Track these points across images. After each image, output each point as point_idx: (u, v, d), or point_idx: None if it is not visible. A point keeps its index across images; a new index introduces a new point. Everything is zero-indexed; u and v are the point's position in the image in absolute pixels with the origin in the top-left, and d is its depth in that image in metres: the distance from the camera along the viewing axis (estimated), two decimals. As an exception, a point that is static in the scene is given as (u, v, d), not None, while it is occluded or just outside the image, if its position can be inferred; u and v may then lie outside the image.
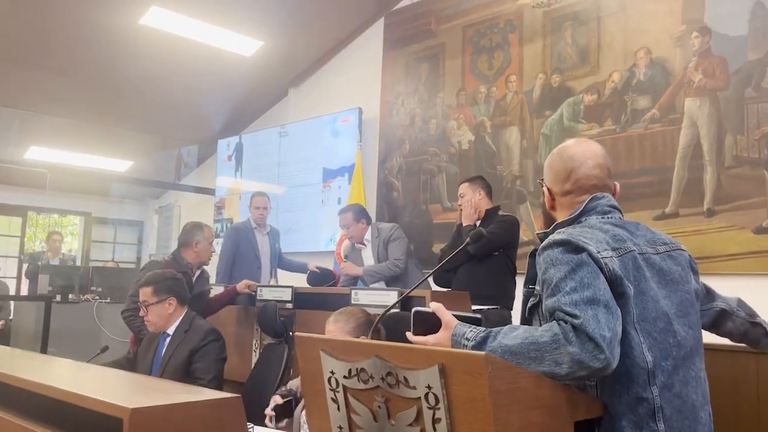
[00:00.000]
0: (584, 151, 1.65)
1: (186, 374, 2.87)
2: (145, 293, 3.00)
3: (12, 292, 7.26)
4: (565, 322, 1.29)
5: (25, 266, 7.95)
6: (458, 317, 1.44)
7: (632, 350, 1.39)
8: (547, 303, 1.39)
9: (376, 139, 6.06)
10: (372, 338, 2.00)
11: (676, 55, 4.26)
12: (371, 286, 4.07)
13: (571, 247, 1.43)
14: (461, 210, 3.72)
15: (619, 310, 1.36)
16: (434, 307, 1.45)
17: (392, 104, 5.98)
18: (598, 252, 1.42)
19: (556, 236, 1.48)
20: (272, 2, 5.82)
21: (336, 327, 2.24)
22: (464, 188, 3.75)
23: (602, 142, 4.51)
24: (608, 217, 1.57)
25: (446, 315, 1.43)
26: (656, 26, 4.35)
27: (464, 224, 3.66)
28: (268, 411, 2.36)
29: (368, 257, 4.28)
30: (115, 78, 6.42)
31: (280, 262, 5.27)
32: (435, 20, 5.70)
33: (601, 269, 1.40)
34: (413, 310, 1.49)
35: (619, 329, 1.33)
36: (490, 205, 3.74)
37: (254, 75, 6.71)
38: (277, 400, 2.40)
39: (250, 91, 7.05)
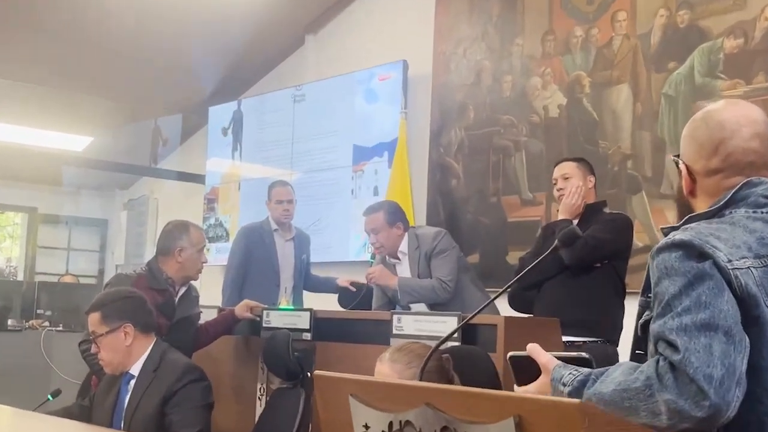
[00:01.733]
0: (739, 116, 1.63)
1: (159, 430, 2.90)
2: (93, 321, 3.03)
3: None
4: (664, 358, 1.32)
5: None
6: (561, 359, 1.51)
7: (765, 391, 1.39)
8: (653, 327, 1.42)
9: (427, 105, 6.06)
10: (423, 379, 2.01)
11: None
12: (418, 309, 4.07)
13: (694, 251, 1.43)
14: (561, 198, 3.70)
15: (746, 339, 1.36)
16: (529, 348, 1.53)
17: (450, 56, 5.97)
18: (730, 260, 1.43)
19: (679, 235, 1.48)
20: None
21: (393, 369, 2.23)
22: (570, 168, 3.75)
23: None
24: (763, 212, 1.55)
25: (543, 356, 1.50)
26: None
27: (560, 217, 3.65)
28: None
29: (405, 275, 4.27)
30: (70, 27, 6.50)
31: (307, 280, 5.31)
32: (510, -64, 5.68)
33: (730, 283, 1.41)
34: (508, 355, 1.61)
35: (741, 364, 1.33)
36: (595, 199, 3.73)
37: (259, 18, 6.72)
38: None
39: (252, 41, 7.08)
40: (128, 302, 3.11)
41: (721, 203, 1.58)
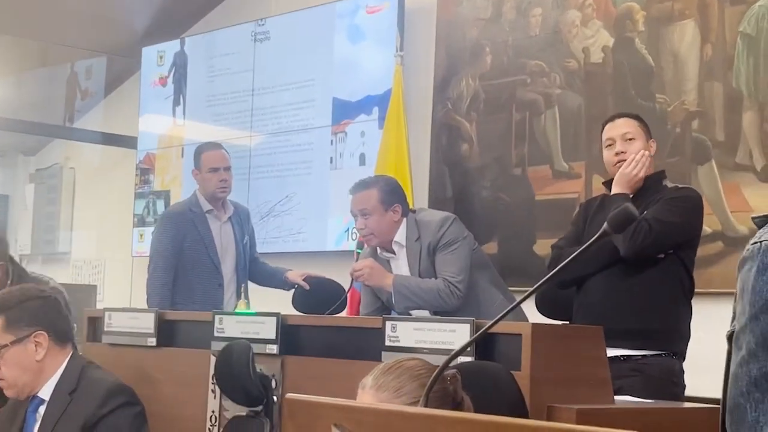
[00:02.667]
0: None
1: None
2: None
3: None
4: None
5: None
6: None
7: None
8: (738, 370, 1.45)
9: (430, 47, 6.08)
10: (427, 405, 2.00)
11: None
12: (419, 314, 4.08)
13: None
14: (618, 165, 3.65)
15: None
16: None
17: (461, -19, 5.98)
18: None
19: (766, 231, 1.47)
20: None
21: (378, 399, 2.23)
22: (634, 126, 3.71)
23: None
24: None
25: None
26: None
27: (615, 191, 3.63)
28: None
29: (399, 270, 4.27)
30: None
31: (252, 269, 5.28)
32: None
33: None
34: None
35: None
36: (653, 169, 3.70)
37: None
38: None
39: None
40: (40, 303, 3.08)
41: None
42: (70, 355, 3.09)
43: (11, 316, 2.99)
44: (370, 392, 2.17)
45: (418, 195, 5.76)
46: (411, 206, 4.63)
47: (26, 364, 2.98)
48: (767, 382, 1.39)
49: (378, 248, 4.32)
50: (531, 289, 2.16)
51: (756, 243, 1.46)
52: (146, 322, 4.35)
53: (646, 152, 3.62)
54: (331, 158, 6.43)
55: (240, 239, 5.16)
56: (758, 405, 1.43)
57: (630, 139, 3.67)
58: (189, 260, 5.07)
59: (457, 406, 2.02)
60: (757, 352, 1.42)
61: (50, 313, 3.08)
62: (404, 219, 4.28)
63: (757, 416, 1.43)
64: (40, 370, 3.01)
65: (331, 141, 6.44)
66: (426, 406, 1.89)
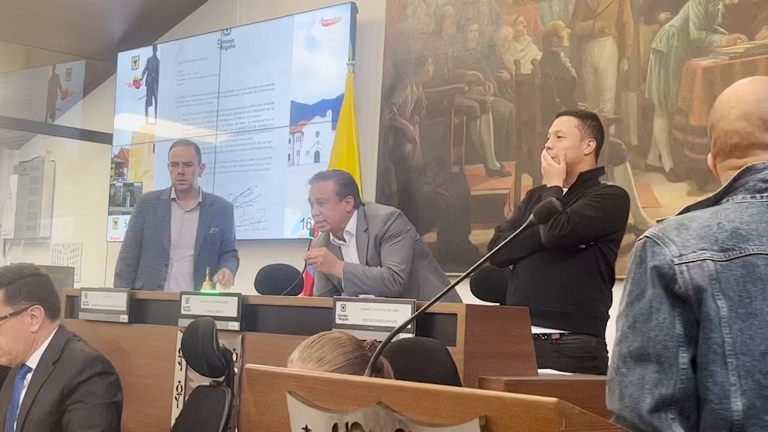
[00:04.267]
0: (731, 96, 1.70)
1: (55, 431, 2.87)
2: None
3: None
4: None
5: None
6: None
7: (712, 394, 1.47)
8: (614, 349, 1.59)
9: (378, 56, 6.07)
10: (357, 372, 2.01)
11: None
12: (366, 296, 4.08)
13: (644, 254, 1.56)
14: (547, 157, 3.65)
15: (683, 357, 1.50)
16: None
17: (406, 0, 5.98)
18: (681, 254, 1.53)
19: (649, 229, 1.59)
20: None
21: (304, 369, 2.23)
22: (568, 125, 3.66)
23: (754, 64, 4.51)
24: (760, 197, 1.60)
25: None
26: None
27: (549, 185, 3.61)
28: None
29: (349, 257, 4.27)
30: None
31: (221, 257, 5.18)
32: None
33: (675, 281, 1.52)
34: None
35: (675, 389, 1.49)
36: (593, 166, 3.68)
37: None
38: None
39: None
40: (37, 280, 3.07)
41: (721, 191, 1.64)
42: (57, 328, 3.07)
43: (10, 291, 2.97)
44: (298, 364, 2.15)
45: (367, 189, 5.77)
46: (362, 199, 4.64)
47: (21, 335, 2.97)
48: (632, 359, 1.52)
49: (330, 236, 4.32)
50: (465, 273, 2.18)
51: (640, 239, 1.58)
52: (119, 301, 4.32)
53: (567, 148, 3.59)
54: (289, 155, 6.40)
55: (204, 227, 5.10)
56: (623, 378, 1.54)
57: (560, 137, 3.63)
58: (146, 239, 5.11)
59: (378, 370, 2.02)
60: (628, 333, 1.54)
61: (45, 289, 3.06)
62: (355, 211, 4.28)
63: (621, 389, 1.53)
64: (33, 341, 2.99)
65: (289, 140, 6.41)
66: (370, 375, 1.90)
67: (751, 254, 1.53)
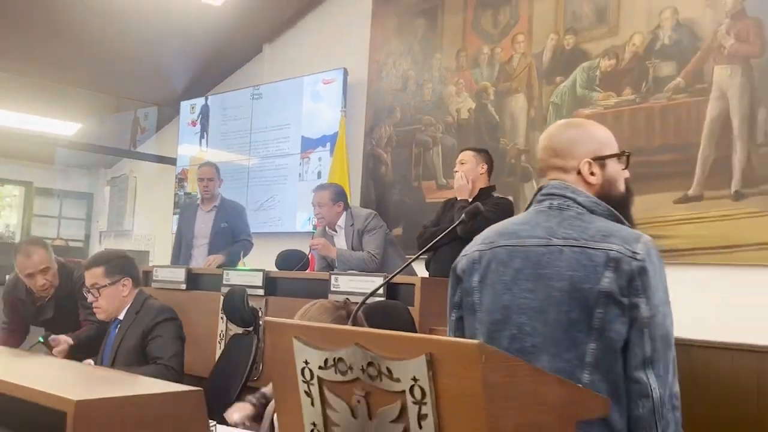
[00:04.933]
0: (543, 134, 1.71)
1: (141, 357, 2.87)
2: (95, 275, 2.96)
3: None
4: None
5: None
6: None
7: (469, 334, 1.58)
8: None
9: (362, 105, 6.05)
10: (341, 323, 2.02)
11: (705, 16, 4.27)
12: (352, 271, 4.08)
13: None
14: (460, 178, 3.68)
15: (453, 301, 1.65)
16: None
17: (382, 65, 5.96)
18: (465, 253, 1.64)
19: None
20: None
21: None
22: (468, 156, 3.73)
23: (619, 113, 4.53)
24: (539, 206, 1.61)
25: None
26: (685, -17, 4.36)
27: (459, 197, 3.65)
28: (236, 418, 2.35)
29: (339, 245, 4.28)
30: (63, 27, 6.33)
31: (233, 247, 4.91)
32: (433, -31, 5.68)
33: (456, 267, 1.65)
34: None
35: (449, 317, 1.65)
36: (487, 184, 3.73)
37: (224, 28, 6.64)
38: (246, 409, 2.39)
39: (218, 47, 6.98)
40: (126, 260, 3.08)
41: (528, 203, 1.67)
42: (137, 292, 3.06)
43: (108, 268, 2.97)
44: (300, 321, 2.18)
45: (354, 198, 5.76)
46: (349, 203, 4.64)
47: (115, 298, 2.98)
48: (452, 330, 1.68)
49: (327, 228, 4.33)
50: (415, 256, 2.18)
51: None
52: (179, 275, 4.33)
53: (468, 170, 3.67)
54: (299, 174, 6.37)
55: (217, 222, 5.02)
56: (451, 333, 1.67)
57: (462, 163, 3.71)
58: (181, 233, 5.15)
59: (354, 321, 2.03)
60: (449, 328, 1.68)
61: (131, 266, 3.07)
62: (345, 211, 4.30)
63: (448, 331, 1.67)
64: (123, 303, 2.99)
65: (300, 163, 6.38)
66: (354, 323, 1.90)
67: (498, 246, 1.57)
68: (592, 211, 1.55)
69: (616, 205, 1.58)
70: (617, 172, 1.61)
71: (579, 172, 1.59)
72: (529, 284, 1.49)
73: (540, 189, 1.62)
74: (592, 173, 1.59)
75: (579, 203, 1.55)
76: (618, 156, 1.62)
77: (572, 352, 1.43)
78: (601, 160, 1.59)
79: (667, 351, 1.42)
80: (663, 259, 1.52)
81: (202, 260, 4.89)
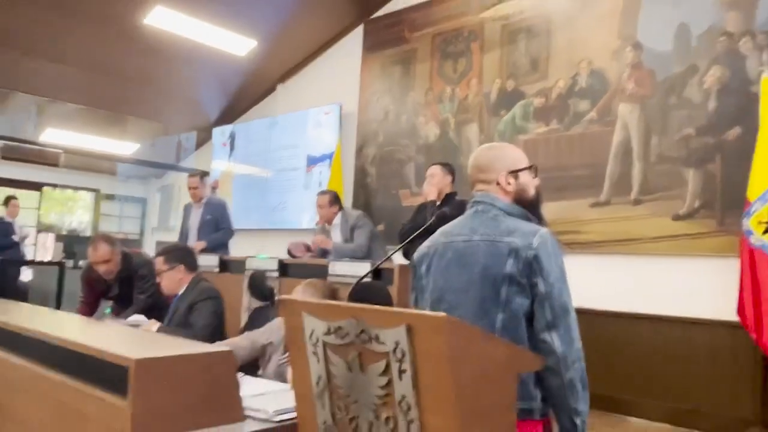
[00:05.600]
0: (473, 154, 1.72)
1: (185, 324, 2.84)
2: (159, 262, 2.96)
3: (30, 258, 7.11)
4: None
5: (41, 235, 7.81)
6: None
7: (422, 306, 1.60)
8: None
9: (354, 131, 6.03)
10: (335, 298, 2.04)
11: (612, 66, 4.31)
12: (345, 259, 4.08)
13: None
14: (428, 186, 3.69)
15: (413, 286, 1.65)
16: None
17: (369, 101, 5.95)
18: (419, 251, 1.64)
19: None
20: (265, 8, 5.73)
21: (304, 292, 2.27)
22: (436, 170, 3.71)
23: (548, 139, 4.56)
24: (467, 213, 1.64)
25: None
26: (596, 41, 4.40)
27: (428, 198, 3.64)
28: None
29: (335, 238, 4.27)
30: (124, 70, 6.28)
31: (216, 233, 4.82)
32: (408, 29, 5.67)
33: (412, 261, 1.66)
34: None
35: (413, 298, 1.66)
36: (452, 190, 3.75)
37: (247, 72, 6.62)
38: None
39: (243, 86, 6.96)
40: (181, 251, 3.03)
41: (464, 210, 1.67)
42: (193, 276, 2.99)
43: (167, 257, 2.94)
44: (301, 288, 2.21)
45: (347, 201, 5.77)
46: (343, 205, 4.63)
47: (174, 281, 2.92)
48: (412, 305, 1.66)
49: (326, 224, 4.30)
50: (394, 250, 2.18)
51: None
52: (213, 261, 4.29)
53: (437, 179, 3.65)
54: (305, 184, 6.34)
55: (204, 216, 4.81)
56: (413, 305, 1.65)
57: (432, 175, 3.69)
58: (183, 226, 4.99)
59: (350, 298, 2.02)
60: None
61: (185, 255, 3.00)
62: (340, 212, 4.28)
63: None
64: (180, 282, 2.93)
65: (305, 175, 6.36)
66: (350, 300, 1.91)
67: (438, 243, 1.61)
68: (509, 213, 1.56)
69: (529, 206, 1.60)
70: (528, 181, 1.62)
71: (498, 183, 1.61)
72: (456, 270, 1.52)
73: (470, 199, 1.64)
74: (508, 183, 1.60)
75: (498, 207, 1.57)
76: (528, 168, 1.63)
77: (485, 320, 1.45)
78: (514, 173, 1.61)
79: (566, 317, 1.42)
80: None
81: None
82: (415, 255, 1.64)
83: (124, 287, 3.49)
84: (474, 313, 1.46)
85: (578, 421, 1.40)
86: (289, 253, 4.33)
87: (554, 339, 1.40)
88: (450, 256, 1.54)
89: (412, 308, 1.62)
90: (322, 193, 4.37)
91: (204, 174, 5.05)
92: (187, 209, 5.04)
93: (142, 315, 2.95)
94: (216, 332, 2.87)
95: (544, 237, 1.47)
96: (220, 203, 4.98)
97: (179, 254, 3.00)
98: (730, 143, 3.76)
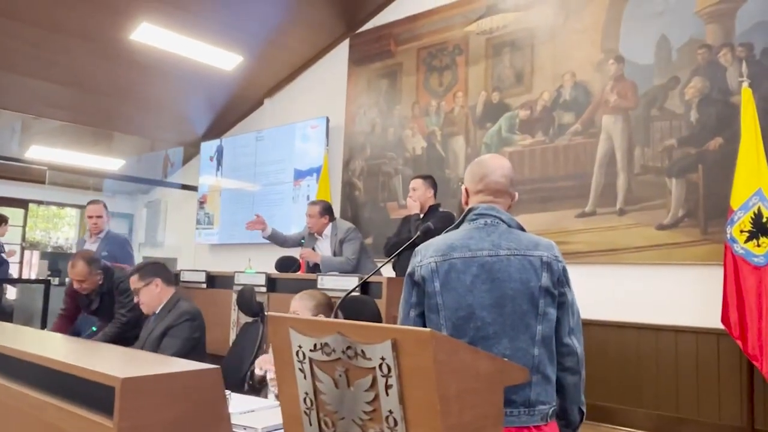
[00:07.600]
0: (469, 166, 1.73)
1: (156, 349, 2.78)
2: (133, 281, 2.88)
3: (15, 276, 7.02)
4: None
5: (27, 252, 7.72)
6: None
7: (434, 327, 1.54)
8: None
9: (341, 144, 6.05)
10: (318, 310, 2.03)
11: (595, 79, 4.37)
12: (334, 273, 4.06)
13: (410, 261, 1.63)
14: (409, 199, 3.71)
15: (411, 302, 1.58)
16: None
17: (355, 114, 5.98)
18: (420, 261, 1.58)
19: (418, 247, 1.64)
20: (251, 24, 5.75)
21: (300, 304, 2.25)
22: (418, 183, 3.73)
23: (533, 151, 4.60)
24: (469, 224, 1.61)
25: None
26: (580, 54, 4.46)
27: (411, 212, 3.65)
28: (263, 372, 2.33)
29: (324, 249, 4.25)
30: (110, 86, 6.26)
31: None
32: (394, 43, 5.72)
33: (414, 275, 1.58)
34: None
35: (407, 314, 1.57)
36: (434, 202, 3.76)
37: (234, 86, 6.62)
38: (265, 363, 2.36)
39: (230, 101, 6.95)
40: (154, 266, 2.96)
41: (459, 221, 1.65)
42: (173, 291, 2.93)
43: (141, 273, 2.88)
44: (297, 300, 2.22)
45: (336, 214, 5.75)
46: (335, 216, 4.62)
47: (150, 296, 2.85)
48: (400, 311, 1.61)
49: (315, 235, 4.28)
50: (382, 263, 2.19)
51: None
52: (200, 277, 4.26)
53: (420, 193, 3.67)
54: (293, 197, 6.33)
55: (99, 253, 3.86)
56: (401, 321, 1.61)
57: (414, 189, 3.71)
58: None
59: (336, 314, 2.02)
60: (401, 301, 1.62)
61: (161, 269, 2.93)
62: (330, 223, 4.26)
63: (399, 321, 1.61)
64: (159, 299, 2.86)
65: (293, 189, 6.35)
66: (333, 317, 1.90)
67: (453, 258, 1.55)
68: (511, 225, 1.59)
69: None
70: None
71: (511, 196, 1.66)
72: (486, 286, 1.51)
73: (470, 209, 1.62)
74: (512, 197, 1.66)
75: (503, 221, 1.59)
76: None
77: (526, 334, 1.48)
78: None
79: (580, 323, 1.57)
80: (566, 259, 1.59)
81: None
82: (419, 270, 1.57)
83: (103, 302, 3.47)
84: (513, 327, 1.49)
85: (584, 410, 1.56)
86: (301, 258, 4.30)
87: (574, 341, 1.53)
88: (475, 271, 1.52)
89: (406, 324, 1.57)
90: (313, 203, 4.35)
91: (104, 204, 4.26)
92: (80, 244, 4.29)
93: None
94: (192, 354, 2.81)
95: (557, 248, 1.57)
96: (120, 239, 4.26)
97: (153, 269, 2.94)
98: (712, 153, 3.82)
